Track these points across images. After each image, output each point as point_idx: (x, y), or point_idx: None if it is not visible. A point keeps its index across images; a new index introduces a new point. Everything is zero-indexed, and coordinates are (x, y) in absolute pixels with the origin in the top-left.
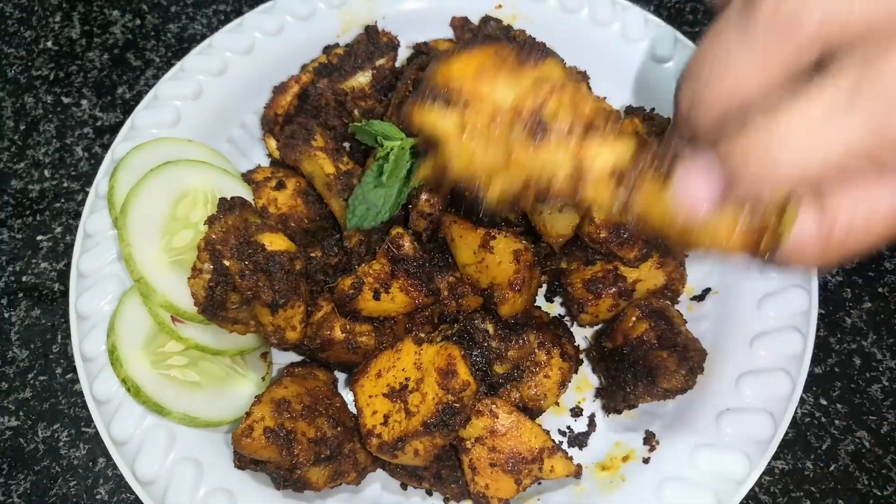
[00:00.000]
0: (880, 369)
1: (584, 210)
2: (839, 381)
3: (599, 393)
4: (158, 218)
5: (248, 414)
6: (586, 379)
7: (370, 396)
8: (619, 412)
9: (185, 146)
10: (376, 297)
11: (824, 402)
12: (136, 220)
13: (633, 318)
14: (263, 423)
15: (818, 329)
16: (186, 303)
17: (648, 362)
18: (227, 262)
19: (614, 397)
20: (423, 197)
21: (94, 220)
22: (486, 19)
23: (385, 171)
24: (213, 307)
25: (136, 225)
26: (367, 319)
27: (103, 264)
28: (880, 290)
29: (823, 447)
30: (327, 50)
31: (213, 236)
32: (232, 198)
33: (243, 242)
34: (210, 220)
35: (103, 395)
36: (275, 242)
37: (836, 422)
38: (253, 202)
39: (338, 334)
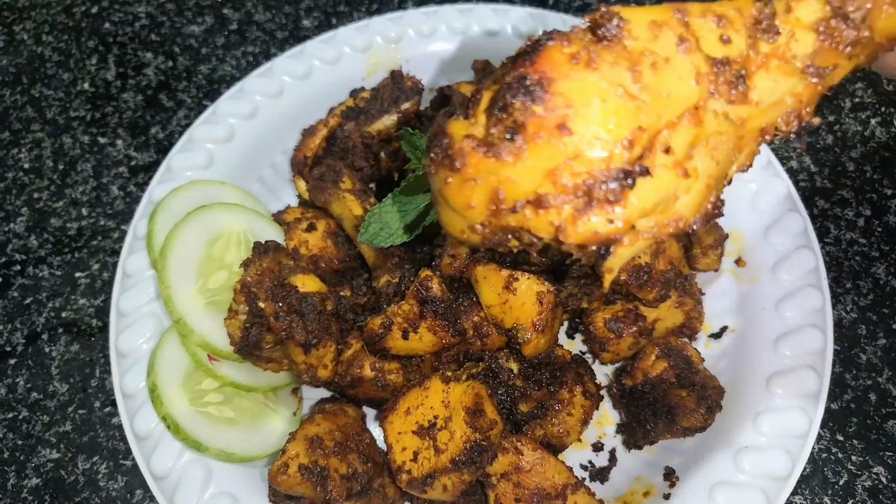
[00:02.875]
0: None
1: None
2: (855, 417)
3: (620, 429)
4: (195, 260)
5: (283, 451)
6: (607, 414)
7: (399, 433)
8: (639, 448)
9: (218, 188)
10: (405, 336)
11: (841, 438)
12: (174, 263)
13: (653, 357)
14: (298, 460)
15: (833, 365)
16: (222, 342)
17: (668, 400)
18: (262, 304)
19: (635, 434)
20: (450, 243)
21: (132, 260)
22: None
23: (405, 183)
24: (248, 347)
25: (175, 267)
26: (396, 357)
27: (141, 303)
28: (895, 326)
29: (840, 483)
30: (354, 93)
31: (249, 279)
32: (266, 241)
33: (277, 285)
34: (246, 264)
35: (143, 430)
36: (307, 284)
37: (853, 457)
38: (284, 243)
39: (367, 372)
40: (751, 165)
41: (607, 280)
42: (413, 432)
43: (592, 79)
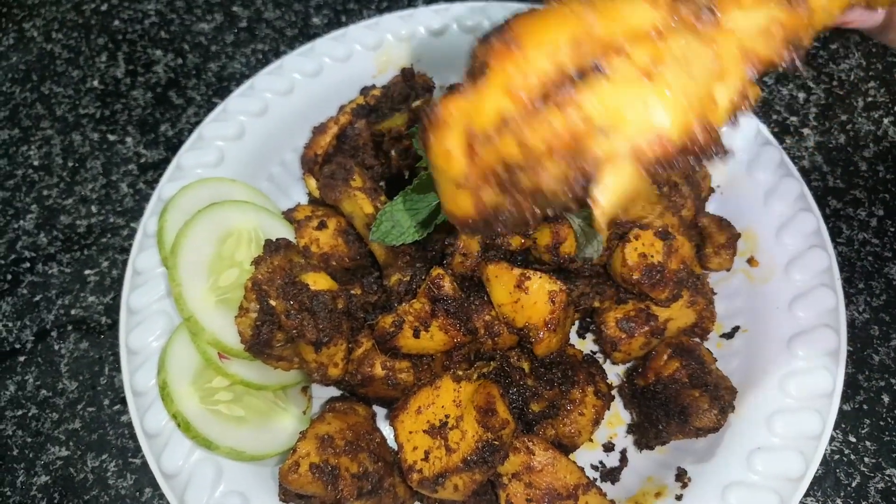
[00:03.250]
0: None
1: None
2: (868, 418)
3: (631, 429)
4: (206, 258)
5: (294, 450)
6: (618, 414)
7: (410, 432)
8: (651, 448)
9: (228, 186)
10: (416, 335)
11: (853, 440)
12: (185, 261)
13: (665, 357)
14: (309, 459)
15: (846, 366)
16: (233, 340)
17: (680, 401)
18: (273, 302)
19: (646, 434)
20: (461, 242)
21: (142, 257)
22: None
23: (417, 181)
24: (259, 345)
25: (186, 265)
26: (406, 356)
27: (151, 301)
28: None
29: (853, 484)
30: (364, 91)
31: (260, 277)
32: (277, 239)
33: (288, 282)
34: (257, 261)
35: (153, 428)
36: (318, 282)
37: (866, 459)
38: (295, 241)
39: (378, 371)
40: (749, 101)
41: (600, 216)
42: (424, 431)
43: (545, 13)
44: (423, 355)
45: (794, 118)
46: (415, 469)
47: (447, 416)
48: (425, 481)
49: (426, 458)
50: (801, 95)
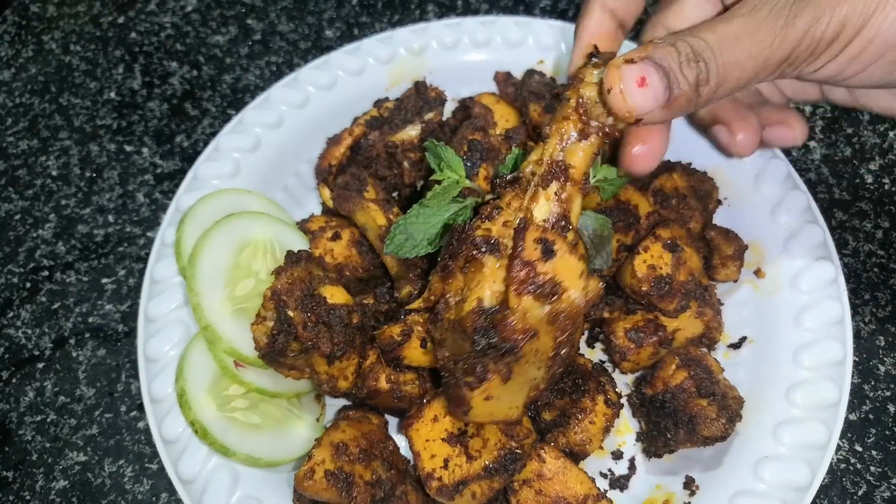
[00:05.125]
0: None
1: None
2: (874, 427)
3: (640, 437)
4: (223, 268)
5: (309, 457)
6: (627, 423)
7: (427, 441)
8: (659, 456)
9: (245, 197)
10: (423, 345)
11: (859, 449)
12: (203, 271)
13: (673, 367)
14: (324, 466)
15: (852, 376)
16: (248, 349)
17: (688, 410)
18: (291, 313)
19: (655, 442)
20: None
21: (160, 267)
22: (529, 73)
23: (431, 194)
24: (273, 353)
25: (204, 275)
26: (410, 369)
27: (169, 309)
28: None
29: (859, 493)
30: (378, 103)
31: (280, 287)
32: (298, 251)
33: (307, 295)
34: (277, 272)
35: (171, 435)
36: (335, 296)
37: (872, 468)
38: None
39: (383, 384)
40: None
41: None
42: (442, 440)
43: None
44: (427, 368)
45: None
46: (434, 477)
47: (466, 425)
48: (444, 489)
49: (445, 466)
50: (808, 108)
